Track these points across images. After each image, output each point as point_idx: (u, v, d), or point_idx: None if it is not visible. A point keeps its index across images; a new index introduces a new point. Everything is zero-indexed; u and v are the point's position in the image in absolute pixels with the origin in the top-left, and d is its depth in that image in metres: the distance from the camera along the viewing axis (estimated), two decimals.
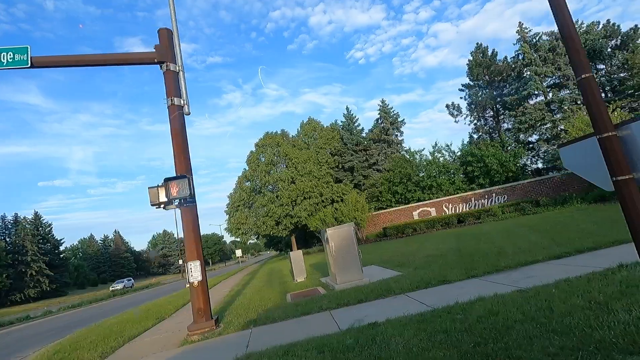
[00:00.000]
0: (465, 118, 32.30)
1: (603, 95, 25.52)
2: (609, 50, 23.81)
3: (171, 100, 7.94)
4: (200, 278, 7.36)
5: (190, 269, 7.36)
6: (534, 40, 25.82)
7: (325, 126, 40.60)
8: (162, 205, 7.61)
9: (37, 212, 56.56)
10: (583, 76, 2.93)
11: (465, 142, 32.71)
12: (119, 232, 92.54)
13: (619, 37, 24.46)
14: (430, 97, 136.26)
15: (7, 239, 50.54)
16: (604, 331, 3.48)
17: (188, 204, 7.61)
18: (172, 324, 9.52)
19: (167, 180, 7.20)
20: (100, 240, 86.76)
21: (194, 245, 7.52)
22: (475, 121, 31.90)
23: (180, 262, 58.35)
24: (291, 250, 39.33)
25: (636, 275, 5.21)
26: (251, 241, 32.32)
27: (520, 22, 26.18)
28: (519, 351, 3.42)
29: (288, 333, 5.93)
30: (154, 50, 8.12)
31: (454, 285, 7.13)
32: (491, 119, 32.31)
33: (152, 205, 7.65)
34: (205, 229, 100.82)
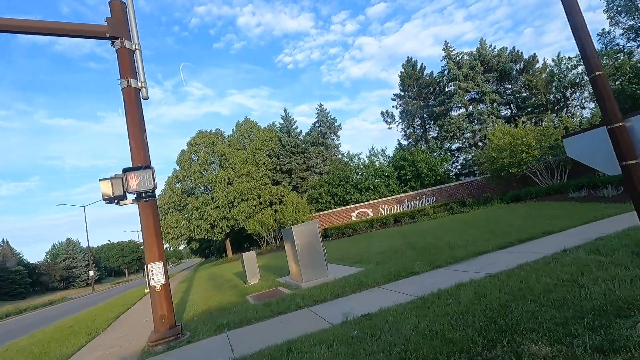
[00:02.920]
0: (397, 125, 34.62)
1: (509, 111, 29.67)
2: (515, 72, 27.85)
3: (127, 81, 7.00)
4: (163, 281, 6.57)
5: (152, 271, 6.53)
6: (457, 58, 28.95)
7: (262, 127, 39.94)
8: (116, 200, 6.66)
9: None
10: (596, 73, 3.30)
11: (397, 148, 34.95)
12: (7, 241, 78.48)
13: (522, 62, 28.71)
14: (355, 106, 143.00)
15: None
16: (590, 302, 3.97)
17: (148, 198, 6.76)
18: (112, 339, 8.32)
19: (127, 170, 6.31)
20: None
21: (155, 245, 6.70)
22: (406, 129, 34.38)
23: (91, 273, 51.91)
24: (225, 255, 37.55)
25: (582, 257, 6.08)
26: (180, 247, 30.01)
27: (446, 41, 29.23)
28: (530, 324, 3.71)
29: (273, 333, 5.60)
30: (106, 23, 7.09)
31: (424, 276, 7.50)
32: (419, 127, 35.12)
33: (104, 199, 6.64)
34: (120, 236, 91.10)
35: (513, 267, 6.33)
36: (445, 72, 29.34)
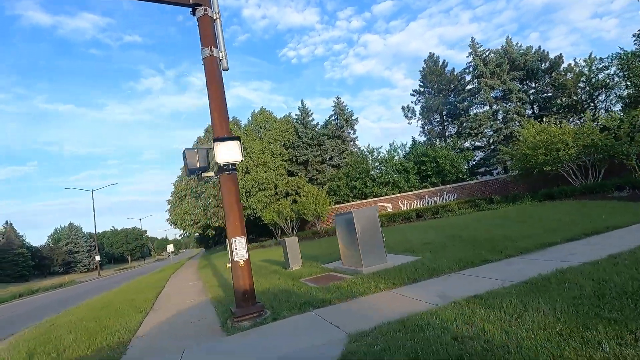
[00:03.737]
0: (417, 121, 34.41)
1: (531, 110, 29.38)
2: (541, 72, 27.59)
3: (209, 50, 6.78)
4: (246, 257, 6.40)
5: (235, 246, 6.36)
6: (483, 55, 28.67)
7: (278, 118, 39.65)
8: (199, 172, 6.49)
9: None
10: None
11: (413, 144, 34.70)
12: (11, 223, 78.31)
13: (548, 62, 28.44)
14: (357, 104, 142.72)
15: None
16: None
17: (231, 171, 6.58)
18: (170, 317, 8.16)
19: (218, 140, 6.11)
20: None
21: (237, 220, 6.52)
22: (425, 125, 34.15)
23: (97, 258, 51.85)
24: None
25: None
26: (179, 236, 29.95)
27: (472, 38, 28.89)
28: None
29: (367, 313, 5.43)
30: None
31: (500, 264, 7.32)
32: (437, 123, 34.89)
33: (190, 171, 6.48)
34: (124, 223, 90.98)
35: (601, 258, 6.15)
36: (471, 69, 29.08)
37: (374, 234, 9.27)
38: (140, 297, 12.25)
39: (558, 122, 21.97)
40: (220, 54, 6.97)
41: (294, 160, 35.73)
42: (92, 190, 49.56)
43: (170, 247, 49.52)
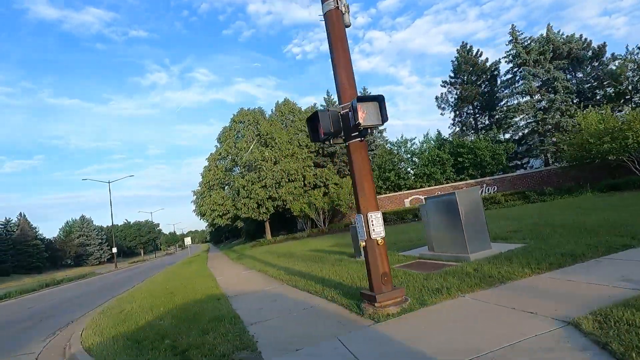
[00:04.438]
0: (450, 112, 33.44)
1: (576, 100, 28.29)
2: (587, 60, 26.52)
3: (334, 2, 5.98)
4: (383, 234, 5.63)
5: (372, 222, 5.58)
6: (525, 43, 27.62)
7: (303, 109, 38.85)
8: (330, 137, 5.72)
9: None
10: None
11: (441, 137, 33.75)
12: (25, 215, 78.35)
13: (591, 50, 27.33)
14: None
15: None
16: None
17: (363, 137, 5.80)
18: (268, 303, 7.42)
19: (361, 100, 5.31)
20: (1, 224, 72.40)
21: (372, 192, 5.76)
22: (456, 116, 33.19)
23: (114, 250, 51.52)
24: (251, 239, 36.79)
25: None
26: (183, 230, 29.31)
27: (512, 25, 27.79)
28: None
29: (560, 296, 4.64)
30: None
31: None
32: (469, 114, 33.90)
33: (324, 135, 5.70)
34: (133, 217, 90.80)
35: None
36: (511, 57, 28.01)
37: (478, 218, 8.47)
38: (202, 285, 11.57)
39: (613, 111, 20.96)
40: (343, 7, 6.17)
41: (321, 152, 34.96)
42: (109, 182, 49.18)
43: (188, 240, 49.27)
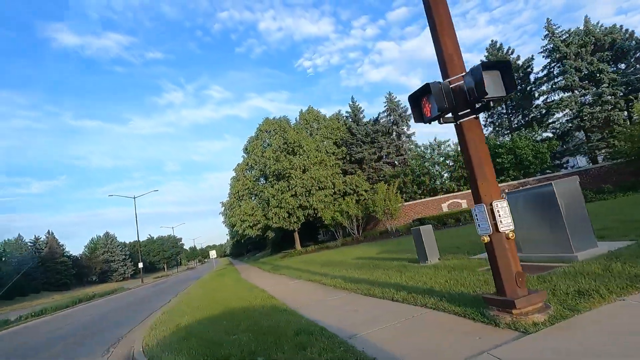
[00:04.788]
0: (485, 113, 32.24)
1: (621, 93, 26.62)
2: (632, 51, 25.05)
3: None
4: (512, 226, 4.71)
5: (498, 212, 4.67)
6: (563, 37, 26.41)
7: (327, 116, 38.35)
8: (439, 116, 4.89)
9: None
10: None
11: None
12: (52, 233, 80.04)
13: (633, 41, 25.87)
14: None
15: None
16: None
17: (477, 114, 4.95)
18: (352, 315, 6.54)
19: (487, 68, 4.47)
20: (31, 242, 74.02)
21: (493, 177, 4.87)
22: (488, 117, 31.95)
23: (140, 265, 51.52)
24: (277, 250, 36.00)
25: None
26: (252, 235, 28.58)
27: (548, 19, 26.66)
28: None
29: None
30: None
31: None
32: (500, 115, 32.60)
33: (430, 115, 4.89)
34: (159, 232, 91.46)
35: None
36: (548, 52, 26.77)
37: (580, 212, 7.42)
38: (253, 297, 10.77)
39: None
40: None
41: (348, 159, 34.18)
42: (135, 197, 49.52)
43: (212, 253, 48.91)
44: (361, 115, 36.22)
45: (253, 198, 29.26)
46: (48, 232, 79.67)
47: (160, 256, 77.31)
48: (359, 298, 7.85)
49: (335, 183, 29.70)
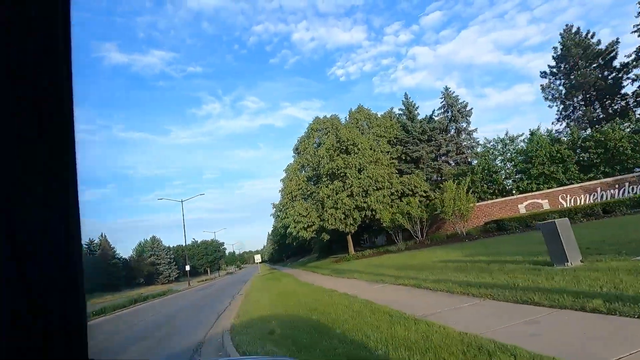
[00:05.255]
0: (558, 104, 29.09)
1: None
2: None
3: None
4: None
5: None
6: None
7: (378, 115, 36.60)
8: None
9: None
10: None
11: (535, 134, 29.03)
12: (105, 236, 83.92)
13: None
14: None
15: None
16: None
17: None
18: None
19: None
20: (86, 244, 77.89)
21: None
22: (565, 109, 28.71)
23: (187, 268, 52.00)
24: (326, 254, 34.35)
25: None
26: (307, 237, 27.14)
27: None
28: None
29: None
30: None
31: None
32: (577, 105, 29.20)
33: None
34: (202, 236, 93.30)
35: None
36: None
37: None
38: (348, 303, 9.19)
39: None
40: None
41: (404, 158, 32.14)
42: (182, 201, 50.20)
43: (257, 257, 48.64)
44: (416, 113, 34.11)
45: (306, 199, 27.99)
46: (101, 235, 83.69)
47: (204, 260, 78.52)
48: (506, 306, 6.02)
49: (392, 183, 27.78)
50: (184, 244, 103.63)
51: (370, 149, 28.77)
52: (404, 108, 34.65)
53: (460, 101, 32.87)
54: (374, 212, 26.13)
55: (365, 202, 26.02)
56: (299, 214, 26.32)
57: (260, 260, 48.38)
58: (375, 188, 26.56)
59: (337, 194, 26.42)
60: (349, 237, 30.79)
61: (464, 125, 32.39)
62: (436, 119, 33.02)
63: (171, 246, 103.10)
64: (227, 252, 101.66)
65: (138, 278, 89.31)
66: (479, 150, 28.50)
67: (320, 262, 34.62)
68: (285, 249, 71.37)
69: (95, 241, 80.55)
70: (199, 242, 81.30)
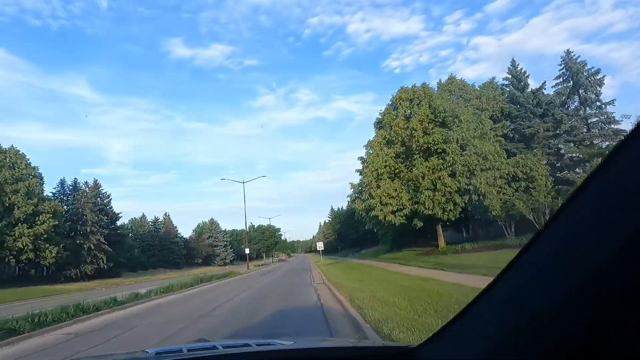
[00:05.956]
0: None
1: None
2: None
3: None
4: None
5: None
6: None
7: (475, 86, 30.99)
8: None
9: (96, 180, 50.48)
10: None
11: None
12: (169, 215, 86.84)
13: None
14: None
15: (66, 207, 44.48)
16: None
17: None
18: None
19: None
20: (151, 221, 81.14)
21: None
22: None
23: (247, 251, 50.43)
24: (398, 247, 29.80)
25: None
26: (395, 222, 22.71)
27: None
28: None
29: None
30: None
31: None
32: None
33: None
34: (258, 222, 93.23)
35: None
36: None
37: None
38: None
39: None
40: None
41: (511, 136, 26.51)
42: (244, 182, 48.45)
43: (320, 244, 45.98)
44: (527, 82, 28.09)
45: (393, 179, 23.76)
46: (165, 214, 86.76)
47: (260, 244, 77.90)
48: None
49: (501, 164, 22.53)
50: (239, 229, 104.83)
51: (477, 122, 23.70)
52: (509, 77, 28.76)
53: (587, 69, 26.26)
54: (481, 197, 21.20)
55: (470, 184, 21.18)
56: (387, 195, 22.21)
57: (322, 248, 45.40)
58: (482, 168, 21.56)
59: (434, 172, 21.87)
60: (439, 228, 26.08)
61: (593, 96, 25.82)
62: (560, 89, 26.78)
63: (227, 229, 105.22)
64: (282, 238, 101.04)
65: (196, 258, 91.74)
66: (619, 127, 22.08)
67: (397, 255, 30.26)
68: (344, 239, 67.90)
69: (160, 219, 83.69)
70: (255, 226, 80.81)
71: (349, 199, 27.45)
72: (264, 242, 78.46)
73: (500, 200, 21.07)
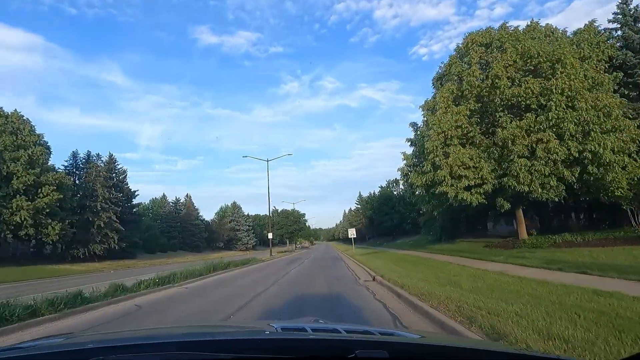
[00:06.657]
0: None
1: None
2: None
3: None
4: None
5: None
6: None
7: (563, 30, 23.87)
8: None
9: (112, 154, 46.83)
10: None
11: None
12: (190, 197, 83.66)
13: None
14: None
15: (76, 181, 41.01)
16: None
17: None
18: None
19: None
20: (172, 202, 78.21)
21: None
22: None
23: (270, 236, 45.63)
24: (449, 237, 23.57)
25: None
26: (468, 200, 16.27)
27: None
28: None
29: None
30: None
31: None
32: None
33: None
34: (282, 206, 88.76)
35: None
36: None
37: None
38: None
39: None
40: None
41: (624, 84, 19.70)
42: (268, 160, 43.43)
43: (352, 231, 40.75)
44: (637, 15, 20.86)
45: (464, 146, 17.62)
46: (187, 195, 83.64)
47: (284, 230, 73.33)
48: None
49: (629, 126, 15.95)
50: (262, 214, 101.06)
51: (585, 70, 17.08)
52: (619, 16, 21.60)
53: None
54: (601, 169, 14.80)
55: (585, 151, 14.81)
56: (461, 165, 16.15)
57: (355, 235, 40.05)
58: (603, 129, 15.10)
59: (529, 134, 15.63)
60: (519, 213, 19.79)
61: None
62: None
63: (250, 214, 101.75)
64: (307, 224, 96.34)
65: (218, 241, 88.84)
66: None
67: (453, 247, 24.22)
68: (376, 227, 62.05)
69: (182, 200, 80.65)
70: (279, 210, 76.29)
71: (399, 173, 21.59)
72: (288, 227, 73.69)
73: (629, 174, 14.65)
